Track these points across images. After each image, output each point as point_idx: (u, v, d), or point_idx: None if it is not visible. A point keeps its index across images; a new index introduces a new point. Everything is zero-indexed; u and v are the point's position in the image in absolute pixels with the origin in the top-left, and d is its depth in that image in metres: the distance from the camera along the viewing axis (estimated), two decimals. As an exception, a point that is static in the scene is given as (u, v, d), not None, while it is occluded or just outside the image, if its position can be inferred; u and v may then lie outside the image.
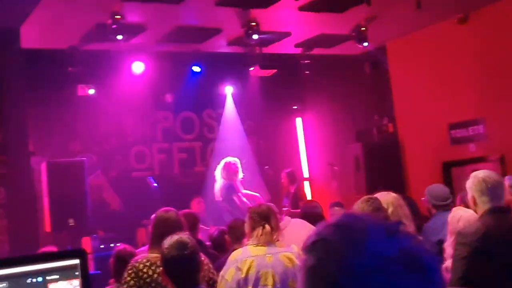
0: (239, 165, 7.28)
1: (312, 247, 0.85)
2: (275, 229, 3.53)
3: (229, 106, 9.35)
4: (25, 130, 5.53)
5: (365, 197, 3.25)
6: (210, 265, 3.58)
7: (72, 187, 6.37)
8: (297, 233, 3.83)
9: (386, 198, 3.27)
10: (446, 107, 8.29)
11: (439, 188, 4.64)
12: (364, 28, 7.80)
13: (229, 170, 7.17)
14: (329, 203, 6.59)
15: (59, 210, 6.28)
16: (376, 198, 3.18)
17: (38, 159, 6.68)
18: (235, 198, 6.99)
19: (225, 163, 7.28)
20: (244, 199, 7.02)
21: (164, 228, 3.34)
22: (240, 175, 7.25)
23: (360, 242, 0.81)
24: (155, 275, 3.26)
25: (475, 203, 3.17)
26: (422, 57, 8.56)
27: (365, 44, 7.93)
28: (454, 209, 3.92)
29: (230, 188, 7.06)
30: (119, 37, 6.66)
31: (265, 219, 3.53)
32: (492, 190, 3.11)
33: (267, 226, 3.50)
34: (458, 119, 8.16)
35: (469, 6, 7.59)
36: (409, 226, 3.20)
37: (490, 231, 3.04)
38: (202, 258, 3.19)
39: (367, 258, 0.80)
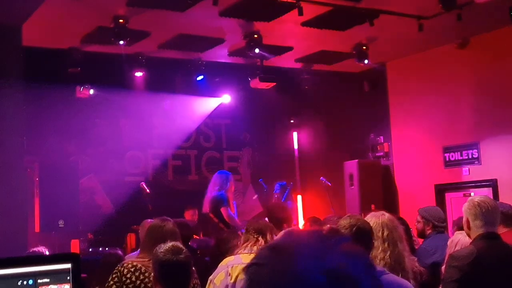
0: (232, 179, 7.25)
1: (246, 270, 0.85)
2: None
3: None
4: (21, 128, 5.50)
5: (347, 215, 3.21)
6: (194, 270, 3.58)
7: (64, 189, 6.34)
8: None
9: (382, 220, 3.22)
10: (441, 130, 8.34)
11: (438, 210, 4.65)
12: (365, 47, 7.85)
13: (222, 183, 7.14)
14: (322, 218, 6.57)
15: (49, 211, 6.24)
16: (354, 216, 3.11)
17: (31, 159, 6.64)
18: (222, 211, 6.96)
19: (219, 175, 7.26)
20: (232, 214, 7.00)
21: (159, 236, 3.33)
22: (232, 188, 7.21)
23: (288, 264, 0.80)
24: (138, 282, 3.25)
25: (468, 227, 3.18)
26: (421, 79, 8.62)
27: (366, 62, 7.98)
28: (456, 233, 3.91)
29: (219, 201, 7.03)
30: (121, 42, 6.65)
31: (260, 233, 3.55)
32: (486, 215, 3.12)
33: (261, 239, 3.53)
34: (452, 143, 8.20)
35: (470, 32, 7.66)
36: (404, 248, 3.19)
37: (482, 255, 3.05)
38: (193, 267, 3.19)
39: (291, 284, 0.78)
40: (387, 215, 3.27)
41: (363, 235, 2.81)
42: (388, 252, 3.04)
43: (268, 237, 3.57)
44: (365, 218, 3.23)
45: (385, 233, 3.11)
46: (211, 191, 7.13)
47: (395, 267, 3.05)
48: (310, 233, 0.89)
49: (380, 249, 3.05)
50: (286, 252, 0.82)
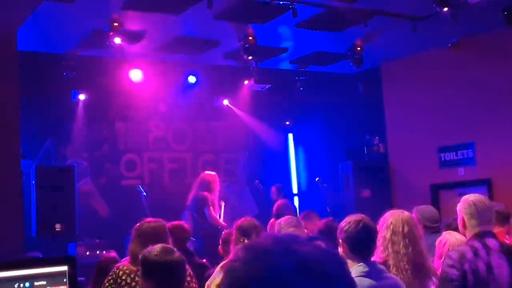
0: (216, 180, 7.28)
1: (227, 268, 0.91)
2: None
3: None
4: (17, 132, 5.49)
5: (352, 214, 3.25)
6: (192, 274, 3.56)
7: (60, 192, 6.32)
8: None
9: (402, 216, 3.25)
10: (436, 130, 8.37)
11: (431, 209, 4.65)
12: (359, 48, 7.88)
13: (204, 183, 7.18)
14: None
15: (46, 215, 6.23)
16: (358, 214, 3.12)
17: (28, 163, 6.64)
18: (206, 211, 7.01)
19: (202, 175, 7.32)
20: (214, 215, 7.04)
21: (147, 239, 3.25)
22: (216, 190, 7.24)
23: (259, 257, 0.87)
24: (133, 283, 3.24)
25: (464, 226, 3.19)
26: (415, 79, 8.66)
27: (360, 64, 8.01)
28: (443, 233, 3.94)
29: (202, 202, 7.07)
30: (117, 40, 6.63)
31: (246, 234, 3.57)
32: (481, 214, 3.13)
33: (247, 241, 3.54)
34: (447, 143, 8.24)
35: (463, 33, 7.70)
36: (424, 247, 3.24)
37: (478, 254, 3.06)
38: (187, 268, 3.16)
39: (261, 271, 0.84)
40: (406, 213, 3.32)
41: (369, 230, 2.87)
42: (410, 248, 3.11)
43: (254, 237, 3.56)
44: (385, 216, 3.27)
45: (405, 229, 3.16)
46: (195, 191, 7.19)
47: (416, 263, 3.10)
48: (284, 234, 0.96)
49: (402, 244, 3.11)
50: (258, 248, 0.89)
